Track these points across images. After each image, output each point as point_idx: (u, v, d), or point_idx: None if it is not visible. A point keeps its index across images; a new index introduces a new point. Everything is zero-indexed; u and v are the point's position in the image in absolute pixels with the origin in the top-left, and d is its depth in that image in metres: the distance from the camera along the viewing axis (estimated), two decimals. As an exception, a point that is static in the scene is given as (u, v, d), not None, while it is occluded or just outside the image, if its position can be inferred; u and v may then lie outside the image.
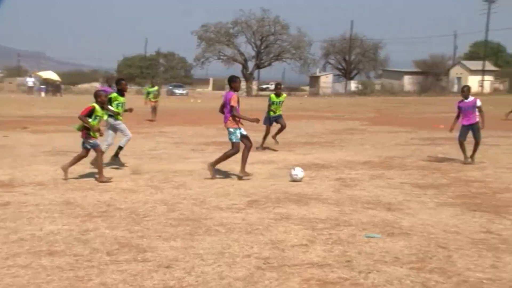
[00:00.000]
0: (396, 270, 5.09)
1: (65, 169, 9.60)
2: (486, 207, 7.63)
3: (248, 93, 68.79)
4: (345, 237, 6.24)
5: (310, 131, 20.12)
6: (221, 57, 73.46)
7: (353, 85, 73.54)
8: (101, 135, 9.77)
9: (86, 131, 9.51)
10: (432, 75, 70.75)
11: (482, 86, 67.43)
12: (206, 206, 7.80)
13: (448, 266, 5.21)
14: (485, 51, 72.09)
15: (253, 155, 12.96)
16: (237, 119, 9.76)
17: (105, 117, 10.41)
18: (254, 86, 74.68)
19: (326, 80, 78.85)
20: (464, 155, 11.57)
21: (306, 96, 66.82)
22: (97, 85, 59.10)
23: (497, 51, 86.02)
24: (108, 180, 9.46)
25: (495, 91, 68.70)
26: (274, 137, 14.64)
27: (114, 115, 10.90)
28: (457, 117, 11.98)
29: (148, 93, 25.01)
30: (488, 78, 70.04)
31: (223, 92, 10.11)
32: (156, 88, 25.89)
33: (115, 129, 11.11)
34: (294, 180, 9.62)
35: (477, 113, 11.65)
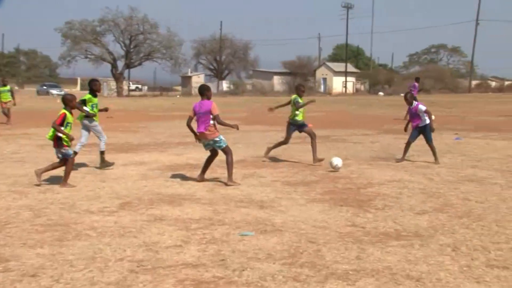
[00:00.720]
0: (269, 267, 5.21)
1: (37, 173, 9.15)
2: (351, 202, 8.06)
3: (119, 93, 67.00)
4: (219, 236, 6.28)
5: (183, 131, 19.97)
6: (89, 56, 70.51)
7: (225, 85, 74.46)
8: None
9: (58, 140, 8.98)
10: (299, 75, 73.52)
11: (345, 86, 71.19)
12: (75, 210, 7.49)
13: (318, 259, 5.42)
14: (346, 54, 76.23)
15: (125, 157, 12.68)
16: (216, 126, 9.34)
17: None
18: (125, 86, 72.82)
19: (198, 80, 79.00)
20: (403, 154, 12.03)
21: (178, 96, 66.48)
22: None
23: (357, 54, 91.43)
24: (71, 186, 9.06)
25: (357, 91, 72.96)
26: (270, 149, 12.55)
27: (90, 117, 10.82)
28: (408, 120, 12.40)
29: None
30: (351, 79, 74.11)
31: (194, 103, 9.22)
32: (8, 87, 22.95)
33: (89, 130, 11.02)
34: (334, 169, 10.64)
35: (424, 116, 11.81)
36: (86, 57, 70.39)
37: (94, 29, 69.54)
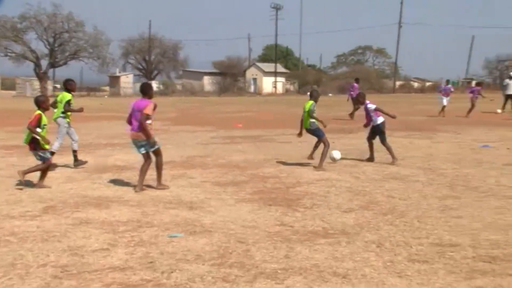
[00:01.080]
0: (198, 268, 5.19)
1: (20, 173, 8.93)
2: (280, 201, 8.14)
3: (43, 93, 64.61)
4: (147, 238, 6.20)
5: (111, 132, 19.63)
6: (9, 54, 67.41)
7: (154, 85, 73.32)
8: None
9: (35, 143, 8.74)
10: (230, 75, 73.68)
11: (275, 87, 71.90)
12: (-5, 215, 7.18)
13: (247, 259, 5.45)
14: (276, 54, 77.02)
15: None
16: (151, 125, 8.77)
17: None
18: (50, 86, 70.29)
19: (127, 80, 77.56)
20: (370, 153, 12.19)
21: (106, 96, 65.01)
22: None
23: (286, 54, 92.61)
24: (46, 187, 8.98)
25: (287, 91, 73.86)
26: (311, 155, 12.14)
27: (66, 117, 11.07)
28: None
29: None
30: (280, 79, 74.93)
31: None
32: None
33: (65, 129, 11.20)
34: (333, 160, 11.36)
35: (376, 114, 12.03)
36: (6, 55, 67.23)
37: (15, 25, 66.30)
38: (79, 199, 8.23)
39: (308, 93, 11.97)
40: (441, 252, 5.67)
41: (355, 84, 25.28)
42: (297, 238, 6.23)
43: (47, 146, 8.98)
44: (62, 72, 75.72)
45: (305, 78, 76.09)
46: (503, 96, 27.37)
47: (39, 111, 8.93)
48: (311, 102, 11.35)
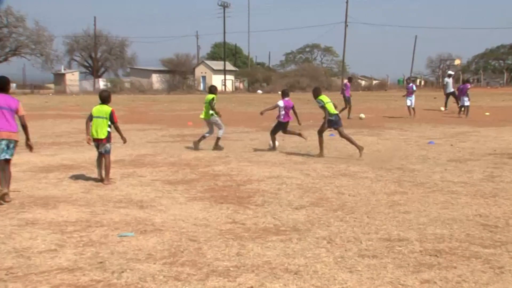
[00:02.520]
0: (149, 267, 5.13)
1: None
2: (231, 199, 8.14)
3: None
4: (97, 238, 6.08)
5: (57, 131, 19.17)
6: None
7: (101, 83, 71.97)
8: None
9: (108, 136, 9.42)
10: (179, 73, 73.06)
11: (225, 85, 71.75)
12: None
13: (199, 258, 5.42)
14: (224, 52, 76.89)
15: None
16: None
17: None
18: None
19: (73, 77, 75.76)
20: (273, 143, 13.69)
21: (51, 94, 63.32)
22: None
23: (235, 52, 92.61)
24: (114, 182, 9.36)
25: (236, 89, 73.85)
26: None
27: None
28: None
29: None
30: (230, 77, 74.84)
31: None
32: None
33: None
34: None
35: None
36: None
37: None
38: (25, 199, 8.00)
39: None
40: (390, 247, 5.79)
41: (348, 83, 25.71)
42: (249, 236, 6.24)
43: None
44: (3, 69, 73.16)
45: (255, 76, 76.29)
46: (445, 94, 28.15)
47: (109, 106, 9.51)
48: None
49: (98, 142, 9.41)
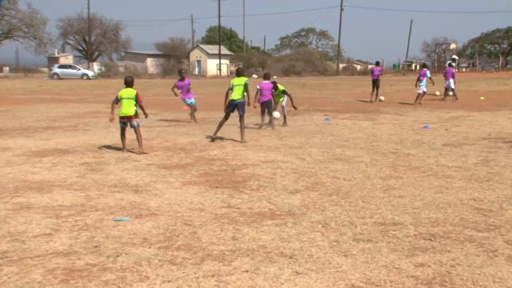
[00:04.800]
0: (145, 251, 5.13)
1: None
2: (226, 184, 8.14)
3: None
4: (92, 222, 6.08)
5: (52, 115, 19.09)
6: None
7: (96, 67, 71.58)
8: None
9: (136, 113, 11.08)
10: (173, 57, 72.69)
11: (220, 69, 71.49)
12: None
13: (194, 242, 5.43)
14: (219, 36, 76.51)
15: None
16: None
17: None
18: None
19: (67, 61, 75.34)
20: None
21: (45, 78, 62.96)
22: None
23: (230, 36, 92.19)
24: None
25: (231, 74, 73.57)
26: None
27: None
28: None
29: None
30: (225, 61, 74.53)
31: None
32: None
33: None
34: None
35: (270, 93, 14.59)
36: None
37: None
38: (19, 183, 7.98)
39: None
40: (385, 231, 5.81)
41: (379, 67, 26.66)
42: (244, 220, 6.25)
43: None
44: (-3, 53, 72.69)
45: (250, 60, 75.98)
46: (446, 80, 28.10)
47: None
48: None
49: (127, 119, 11.00)
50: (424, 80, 23.59)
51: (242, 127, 12.50)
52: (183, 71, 17.37)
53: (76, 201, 7.01)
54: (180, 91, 16.74)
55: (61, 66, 60.89)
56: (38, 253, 5.07)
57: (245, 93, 12.54)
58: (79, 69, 59.53)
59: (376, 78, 25.39)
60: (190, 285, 4.37)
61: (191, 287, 4.33)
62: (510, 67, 79.08)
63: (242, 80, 12.57)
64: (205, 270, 4.68)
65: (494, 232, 5.74)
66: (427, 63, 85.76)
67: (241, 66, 15.86)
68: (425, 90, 23.68)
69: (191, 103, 16.83)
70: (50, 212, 6.47)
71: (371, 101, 24.89)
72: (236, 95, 12.46)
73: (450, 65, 27.31)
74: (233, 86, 12.58)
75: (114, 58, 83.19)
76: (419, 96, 23.59)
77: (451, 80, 25.23)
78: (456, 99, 25.12)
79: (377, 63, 27.72)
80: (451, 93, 26.36)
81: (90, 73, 59.32)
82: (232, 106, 12.54)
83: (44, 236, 5.56)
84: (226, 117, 12.68)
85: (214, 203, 6.99)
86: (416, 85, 24.06)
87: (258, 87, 14.51)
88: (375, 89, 25.53)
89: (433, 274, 4.59)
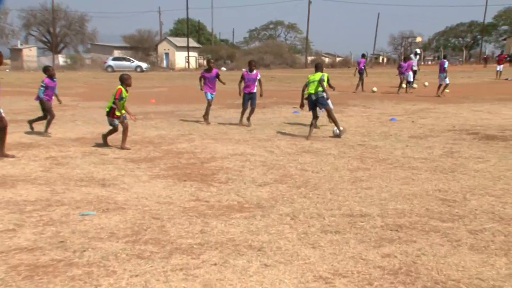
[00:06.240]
0: (112, 246, 5.08)
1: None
2: (195, 177, 8.10)
3: None
4: (57, 217, 5.98)
5: (15, 108, 18.68)
6: None
7: (61, 59, 70.31)
8: None
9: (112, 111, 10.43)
10: (141, 50, 71.97)
11: (188, 62, 71.04)
12: None
13: (162, 236, 5.39)
14: (187, 29, 76.02)
15: None
16: None
17: None
18: None
19: (30, 53, 73.72)
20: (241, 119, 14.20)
21: (8, 70, 61.59)
22: None
23: (198, 29, 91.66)
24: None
25: (200, 66, 73.21)
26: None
27: None
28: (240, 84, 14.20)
29: None
30: (193, 54, 74.09)
31: None
32: None
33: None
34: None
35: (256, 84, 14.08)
36: None
37: None
38: (-18, 178, 7.80)
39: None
40: (352, 222, 5.86)
41: (363, 59, 27.85)
42: (213, 213, 6.23)
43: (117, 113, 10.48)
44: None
45: (218, 53, 75.68)
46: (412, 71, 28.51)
47: (119, 86, 10.45)
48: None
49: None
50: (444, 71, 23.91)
51: (334, 121, 12.14)
52: (211, 60, 15.35)
53: (41, 195, 6.89)
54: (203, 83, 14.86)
55: (115, 59, 60.52)
56: (0, 249, 4.96)
57: (322, 88, 11.83)
58: (133, 61, 59.32)
59: (361, 69, 26.69)
60: (158, 279, 4.34)
61: (159, 281, 4.30)
62: (473, 60, 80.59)
63: (318, 76, 11.88)
64: (173, 263, 4.66)
65: (458, 222, 5.85)
66: (393, 56, 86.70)
67: (319, 61, 14.31)
68: (447, 82, 24.07)
69: (212, 99, 14.83)
70: (14, 207, 6.35)
71: (354, 92, 26.18)
72: (311, 89, 11.87)
73: (408, 58, 27.70)
74: (308, 82, 11.97)
75: (80, 50, 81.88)
76: (445, 86, 24.13)
77: (410, 73, 25.92)
78: (408, 92, 25.73)
79: (363, 55, 28.35)
80: (415, 85, 26.86)
81: (143, 65, 59.12)
82: (311, 103, 11.94)
83: (7, 232, 5.45)
84: (314, 116, 12.08)
85: (182, 197, 6.95)
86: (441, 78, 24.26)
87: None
88: (360, 81, 26.70)
89: (399, 264, 4.65)
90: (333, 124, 12.42)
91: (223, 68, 65.33)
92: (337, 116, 15.85)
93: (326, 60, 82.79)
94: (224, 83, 15.09)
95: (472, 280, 4.35)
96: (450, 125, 14.04)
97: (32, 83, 34.15)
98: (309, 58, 79.54)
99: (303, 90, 12.20)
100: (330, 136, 12.04)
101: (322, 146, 10.74)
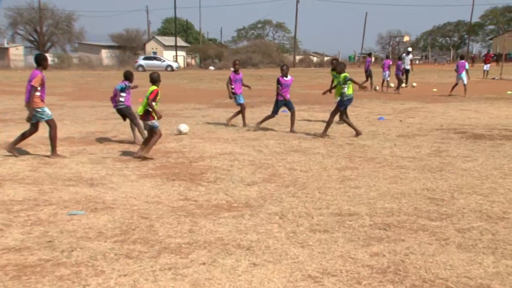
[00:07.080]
0: (100, 245, 5.05)
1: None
2: (183, 176, 8.09)
3: None
4: (45, 217, 5.95)
5: (2, 107, 18.56)
6: None
7: (48, 58, 69.76)
8: None
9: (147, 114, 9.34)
10: (129, 49, 71.68)
11: (176, 61, 70.84)
12: None
13: (150, 235, 5.38)
14: (175, 28, 75.84)
15: None
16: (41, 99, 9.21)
17: None
18: None
19: (17, 52, 73.04)
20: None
21: (-5, 69, 61.04)
22: None
23: (186, 28, 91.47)
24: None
25: (188, 65, 73.07)
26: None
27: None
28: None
29: None
30: (181, 53, 73.90)
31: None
32: None
33: None
34: (180, 133, 11.97)
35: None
36: None
37: None
38: (-31, 178, 7.74)
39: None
40: (341, 221, 5.88)
41: (370, 58, 28.30)
42: (201, 212, 6.22)
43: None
44: None
45: (207, 52, 75.60)
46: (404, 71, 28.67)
47: (155, 87, 9.43)
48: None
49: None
50: (464, 72, 23.64)
51: (351, 124, 12.14)
52: (237, 62, 14.07)
53: (28, 195, 6.85)
54: (233, 86, 13.56)
55: (146, 58, 60.71)
56: (-12, 249, 4.93)
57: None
58: (164, 61, 59.58)
59: (367, 68, 26.98)
60: (147, 278, 4.33)
61: (147, 281, 4.29)
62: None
63: (342, 77, 11.77)
64: (162, 263, 4.65)
65: (446, 221, 5.89)
66: (381, 55, 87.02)
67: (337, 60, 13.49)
68: (465, 82, 23.75)
69: (243, 103, 13.82)
70: (1, 207, 6.30)
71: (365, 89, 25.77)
72: (351, 91, 11.82)
73: (400, 57, 28.00)
74: (345, 81, 11.74)
75: (67, 49, 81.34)
76: (465, 88, 23.70)
77: (387, 72, 26.31)
78: (384, 92, 25.92)
79: (369, 55, 28.57)
80: (392, 84, 27.08)
81: (174, 65, 59.45)
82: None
83: (-5, 232, 5.41)
84: (345, 115, 12.09)
85: (171, 196, 6.94)
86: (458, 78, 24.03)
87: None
88: (369, 79, 26.77)
89: (388, 263, 4.68)
90: (344, 125, 12.42)
91: (211, 68, 65.25)
92: (325, 115, 15.88)
93: (315, 59, 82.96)
94: (231, 95, 13.69)
95: (460, 279, 4.38)
96: (438, 124, 14.13)
97: (19, 82, 33.90)
98: (298, 57, 79.64)
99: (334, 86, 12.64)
100: (313, 135, 12.05)
101: (310, 145, 10.76)
